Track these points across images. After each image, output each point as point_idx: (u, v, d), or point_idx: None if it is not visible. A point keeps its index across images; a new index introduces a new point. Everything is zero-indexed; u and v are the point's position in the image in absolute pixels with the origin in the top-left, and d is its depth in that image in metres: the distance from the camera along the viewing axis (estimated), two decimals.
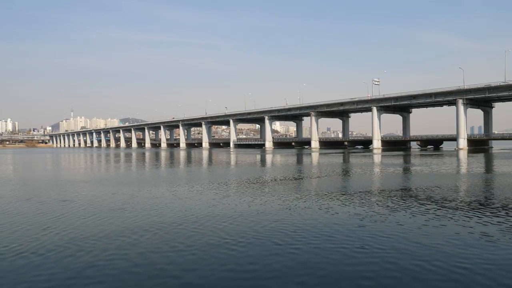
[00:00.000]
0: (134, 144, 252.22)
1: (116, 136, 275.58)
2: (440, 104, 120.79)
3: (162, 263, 9.56)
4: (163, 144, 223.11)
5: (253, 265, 9.46)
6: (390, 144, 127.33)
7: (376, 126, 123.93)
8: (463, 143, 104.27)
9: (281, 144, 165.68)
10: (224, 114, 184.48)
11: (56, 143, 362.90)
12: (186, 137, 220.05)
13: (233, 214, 15.65)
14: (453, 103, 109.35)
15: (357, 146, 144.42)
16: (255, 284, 8.30)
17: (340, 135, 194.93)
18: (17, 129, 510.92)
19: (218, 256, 10.12)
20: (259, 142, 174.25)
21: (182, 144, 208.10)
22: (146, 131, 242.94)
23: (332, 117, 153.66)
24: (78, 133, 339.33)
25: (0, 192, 23.94)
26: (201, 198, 20.24)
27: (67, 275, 8.81)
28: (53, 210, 17.02)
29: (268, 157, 74.35)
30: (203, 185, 26.35)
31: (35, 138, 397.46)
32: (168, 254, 10.27)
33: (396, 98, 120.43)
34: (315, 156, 77.15)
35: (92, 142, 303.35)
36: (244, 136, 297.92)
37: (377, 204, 17.83)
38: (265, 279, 8.51)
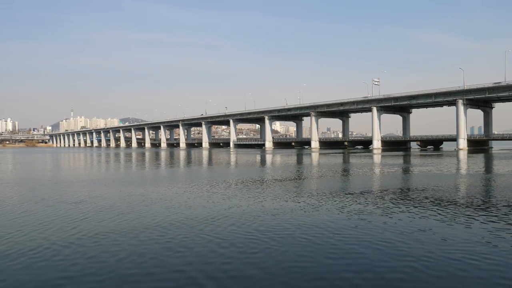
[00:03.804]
0: (134, 144, 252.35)
1: (116, 136, 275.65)
2: (440, 104, 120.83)
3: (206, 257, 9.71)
4: (163, 144, 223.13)
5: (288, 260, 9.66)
6: (390, 144, 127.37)
7: (376, 126, 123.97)
8: (463, 143, 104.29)
9: (281, 144, 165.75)
10: (224, 114, 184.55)
11: (56, 143, 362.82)
12: (186, 137, 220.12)
13: (249, 212, 15.75)
14: (453, 103, 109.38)
15: (357, 146, 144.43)
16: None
17: (340, 135, 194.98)
18: (17, 128, 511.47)
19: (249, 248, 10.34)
20: (259, 142, 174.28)
21: (182, 144, 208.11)
22: (146, 131, 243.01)
23: (332, 117, 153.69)
24: (78, 133, 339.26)
25: (20, 193, 23.63)
26: (211, 197, 20.30)
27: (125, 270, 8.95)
28: (75, 210, 17.07)
29: (268, 157, 74.36)
30: (209, 185, 26.34)
31: (35, 138, 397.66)
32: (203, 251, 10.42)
33: (396, 98, 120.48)
34: (315, 156, 77.16)
35: (92, 142, 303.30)
36: (244, 136, 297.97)
37: (380, 203, 17.86)
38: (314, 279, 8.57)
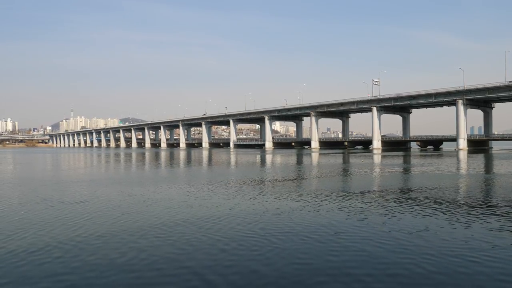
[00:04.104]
0: (134, 144, 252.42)
1: (116, 136, 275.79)
2: (440, 104, 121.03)
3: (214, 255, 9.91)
4: (163, 144, 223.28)
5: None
6: (390, 145, 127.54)
7: (376, 126, 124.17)
8: (463, 143, 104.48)
9: (281, 144, 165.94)
10: (224, 114, 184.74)
11: (56, 143, 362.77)
12: (186, 137, 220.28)
13: (253, 212, 15.93)
14: (453, 103, 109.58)
15: (357, 147, 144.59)
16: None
17: (340, 135, 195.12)
18: (17, 129, 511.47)
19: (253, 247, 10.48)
20: (259, 142, 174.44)
21: (182, 144, 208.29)
22: (146, 131, 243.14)
23: (332, 117, 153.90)
24: (78, 133, 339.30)
25: (23, 193, 23.71)
26: (214, 198, 20.49)
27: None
28: (79, 210, 17.25)
29: (269, 158, 74.51)
30: (211, 185, 26.51)
31: (35, 138, 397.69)
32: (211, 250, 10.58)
33: (396, 98, 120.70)
34: (315, 156, 77.33)
35: (92, 142, 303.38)
36: (244, 136, 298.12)
37: (381, 202, 18.04)
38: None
